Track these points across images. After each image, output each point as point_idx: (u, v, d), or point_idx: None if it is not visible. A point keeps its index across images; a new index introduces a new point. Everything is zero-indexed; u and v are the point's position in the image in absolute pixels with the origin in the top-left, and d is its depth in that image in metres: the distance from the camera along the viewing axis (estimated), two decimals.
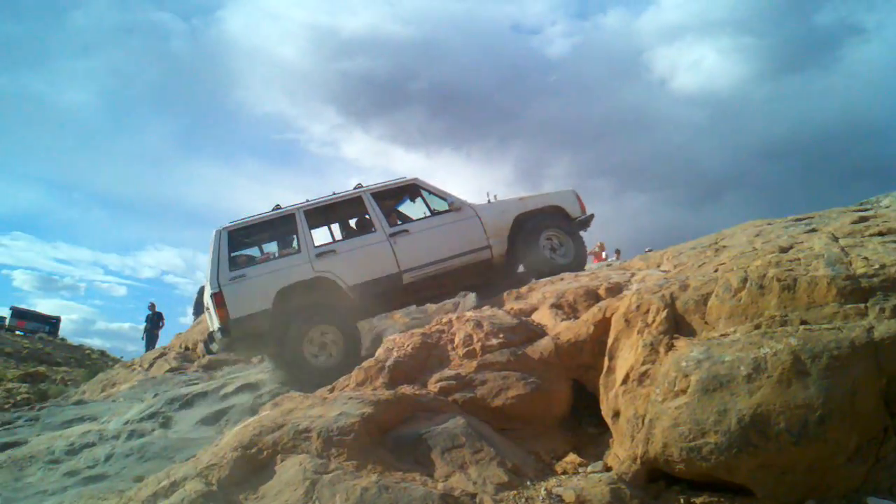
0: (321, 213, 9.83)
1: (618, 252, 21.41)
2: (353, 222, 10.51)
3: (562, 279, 8.25)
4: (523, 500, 4.50)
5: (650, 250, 11.91)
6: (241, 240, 9.25)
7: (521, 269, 10.04)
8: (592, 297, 6.85)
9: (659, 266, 7.66)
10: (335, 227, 10.85)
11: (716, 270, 5.53)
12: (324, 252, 9.04)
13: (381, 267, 9.11)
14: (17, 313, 54.95)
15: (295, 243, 9.27)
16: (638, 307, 5.40)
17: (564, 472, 5.00)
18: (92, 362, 42.83)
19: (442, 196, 9.72)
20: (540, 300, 7.35)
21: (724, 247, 6.78)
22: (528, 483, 4.72)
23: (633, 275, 7.40)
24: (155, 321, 21.13)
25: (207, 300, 8.92)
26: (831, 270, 4.73)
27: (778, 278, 4.83)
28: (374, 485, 4.39)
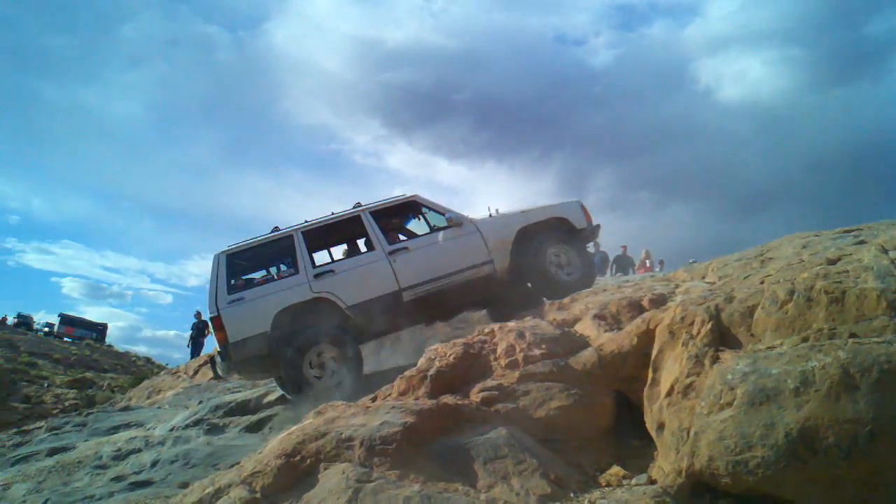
0: (320, 234, 9.80)
1: (661, 263, 21.17)
2: (352, 242, 10.53)
3: (605, 290, 8.20)
4: None
5: (694, 262, 11.85)
6: (240, 263, 9.24)
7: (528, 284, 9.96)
8: (636, 308, 6.81)
9: (703, 278, 7.58)
10: (337, 246, 10.83)
11: (762, 282, 5.46)
12: (322, 272, 9.03)
13: (381, 285, 9.05)
14: (66, 320, 56.24)
15: (292, 265, 9.28)
16: (683, 319, 5.35)
17: (608, 485, 4.97)
18: (137, 369, 43.61)
19: (441, 212, 9.65)
20: (583, 311, 7.31)
21: (770, 258, 6.70)
22: (572, 495, 4.70)
23: (677, 286, 7.34)
24: (200, 329, 21.34)
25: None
26: (881, 283, 4.65)
27: (826, 290, 4.75)
28: (416, 494, 4.40)
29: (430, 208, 9.74)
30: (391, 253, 9.19)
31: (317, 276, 8.94)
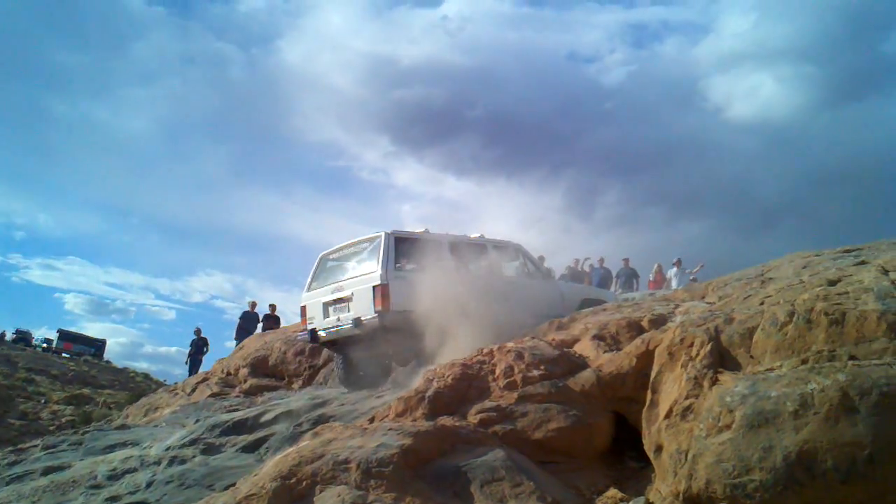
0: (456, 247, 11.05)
1: (678, 262, 19.90)
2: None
3: (604, 310, 8.17)
4: None
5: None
6: (399, 246, 10.32)
7: None
8: (635, 328, 6.78)
9: (703, 297, 7.57)
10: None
11: (762, 303, 5.44)
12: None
13: None
14: (64, 336, 56.02)
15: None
16: (682, 340, 5.32)
17: None
18: (136, 385, 43.43)
19: (535, 263, 12.11)
20: (582, 331, 7.28)
21: (771, 279, 6.68)
22: None
23: (676, 306, 7.31)
24: (199, 346, 21.26)
25: (355, 292, 10.09)
26: (881, 305, 4.62)
27: (826, 312, 4.73)
28: None
29: (525, 257, 11.92)
30: None
31: None
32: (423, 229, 11.00)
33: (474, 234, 11.49)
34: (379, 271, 9.74)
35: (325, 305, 10.64)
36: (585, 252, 19.43)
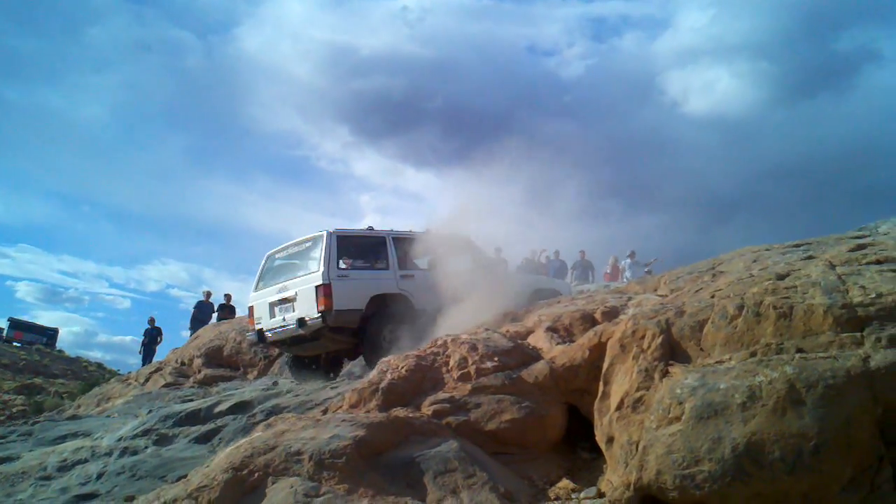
0: (400, 242, 11.05)
1: (632, 254, 20.10)
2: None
3: (559, 302, 8.21)
4: None
5: (649, 271, 13.60)
6: (342, 245, 10.42)
7: None
8: (589, 320, 6.82)
9: (656, 290, 7.63)
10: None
11: (712, 297, 5.49)
12: (405, 275, 10.63)
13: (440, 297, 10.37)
14: (15, 324, 54.76)
15: (383, 261, 10.75)
16: (634, 332, 5.36)
17: (557, 498, 4.98)
18: (89, 374, 42.67)
19: (485, 256, 11.85)
20: (536, 323, 7.31)
21: (722, 272, 6.75)
22: None
23: (629, 299, 7.37)
24: (153, 335, 21.06)
25: (298, 292, 10.13)
26: (828, 299, 4.70)
27: (774, 306, 4.80)
28: None
29: (475, 250, 11.67)
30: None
31: (402, 276, 10.56)
32: (366, 227, 11.11)
33: (421, 230, 11.53)
34: (321, 271, 9.83)
35: (271, 305, 10.71)
36: (544, 244, 19.39)
